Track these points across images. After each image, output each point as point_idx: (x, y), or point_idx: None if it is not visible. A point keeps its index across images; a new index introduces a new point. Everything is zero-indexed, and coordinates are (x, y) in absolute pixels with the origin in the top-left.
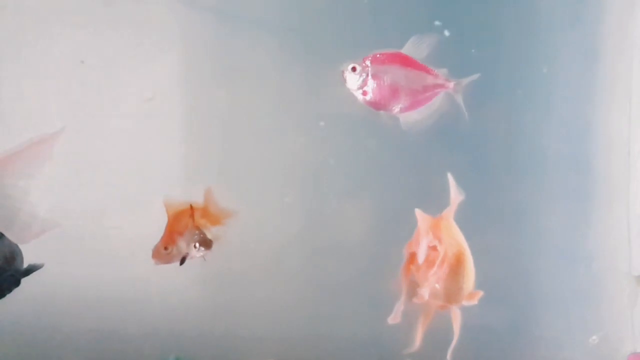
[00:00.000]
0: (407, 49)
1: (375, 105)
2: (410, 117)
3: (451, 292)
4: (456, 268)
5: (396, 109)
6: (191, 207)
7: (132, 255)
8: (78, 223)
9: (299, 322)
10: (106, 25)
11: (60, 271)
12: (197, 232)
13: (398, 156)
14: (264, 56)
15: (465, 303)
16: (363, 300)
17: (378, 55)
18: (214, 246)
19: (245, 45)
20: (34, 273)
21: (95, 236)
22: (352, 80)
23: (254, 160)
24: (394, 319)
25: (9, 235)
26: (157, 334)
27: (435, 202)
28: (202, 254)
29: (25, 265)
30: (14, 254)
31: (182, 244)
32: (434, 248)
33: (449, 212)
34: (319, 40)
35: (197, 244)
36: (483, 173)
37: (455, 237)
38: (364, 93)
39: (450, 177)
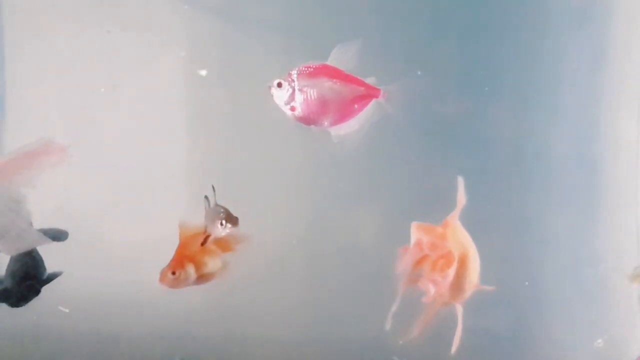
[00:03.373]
0: (333, 60)
1: (305, 120)
2: (341, 130)
3: (453, 291)
4: (459, 269)
5: (326, 122)
6: (212, 187)
7: (136, 258)
8: (82, 227)
9: (303, 324)
10: (110, 27)
11: (65, 274)
12: (221, 209)
13: (404, 159)
14: (267, 57)
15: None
16: (366, 303)
17: (304, 69)
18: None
19: (249, 46)
20: None
21: (100, 239)
22: (279, 96)
23: (258, 162)
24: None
25: (2, 242)
26: (161, 336)
27: (441, 205)
28: (228, 231)
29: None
30: (36, 265)
31: (191, 270)
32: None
33: (454, 216)
34: (322, 40)
35: (224, 221)
36: (490, 175)
37: (459, 240)
38: (292, 109)
39: (460, 181)
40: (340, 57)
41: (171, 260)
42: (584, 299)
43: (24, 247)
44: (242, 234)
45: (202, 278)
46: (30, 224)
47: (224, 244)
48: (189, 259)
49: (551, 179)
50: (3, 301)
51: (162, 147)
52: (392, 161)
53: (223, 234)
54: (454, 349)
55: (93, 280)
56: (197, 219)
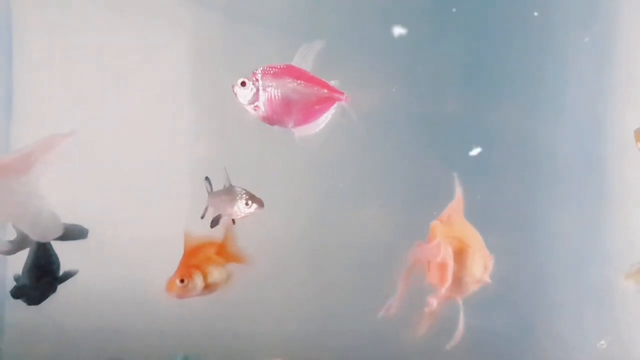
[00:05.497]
0: (298, 60)
1: (269, 120)
2: (305, 131)
3: (453, 286)
4: (457, 263)
5: (290, 123)
6: (225, 169)
7: (140, 255)
8: (87, 225)
9: (305, 320)
10: (116, 23)
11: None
12: (242, 190)
13: (407, 156)
14: (272, 53)
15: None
16: (368, 298)
17: (268, 69)
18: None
19: (254, 42)
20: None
21: (104, 237)
22: (242, 96)
23: (261, 160)
24: (386, 311)
25: (29, 232)
26: (165, 333)
27: (445, 203)
28: (252, 211)
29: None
30: (52, 263)
31: (198, 280)
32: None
33: (450, 211)
34: (326, 37)
35: (249, 201)
36: (497, 174)
37: (456, 235)
38: (256, 108)
39: (455, 177)
40: (305, 58)
41: (178, 269)
42: (590, 298)
43: (50, 236)
44: (245, 254)
45: (208, 288)
46: (53, 215)
47: (228, 256)
48: (196, 268)
49: (558, 178)
50: (20, 297)
51: (167, 144)
52: (394, 159)
53: (244, 214)
54: (451, 345)
55: (96, 277)
56: (200, 224)
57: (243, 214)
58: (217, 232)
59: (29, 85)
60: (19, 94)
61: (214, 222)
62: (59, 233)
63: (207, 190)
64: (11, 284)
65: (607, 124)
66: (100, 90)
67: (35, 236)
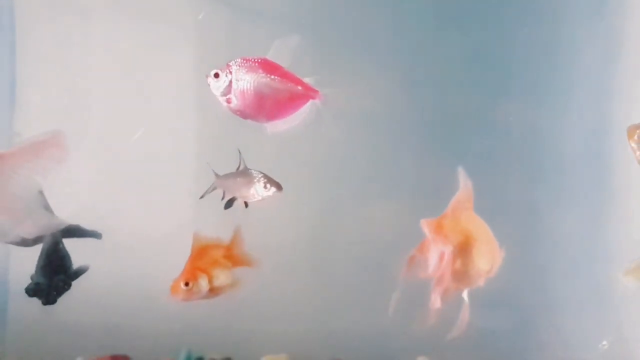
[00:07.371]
0: (273, 55)
1: (241, 113)
2: (277, 127)
3: (458, 278)
4: (461, 256)
5: (263, 118)
6: (239, 151)
7: (144, 251)
8: (90, 221)
9: (309, 318)
10: (121, 18)
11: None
12: (259, 173)
13: (412, 154)
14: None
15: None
16: (372, 296)
17: (243, 62)
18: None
19: (258, 41)
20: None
21: (108, 233)
22: (215, 87)
23: (265, 157)
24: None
25: (18, 227)
26: (169, 329)
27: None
28: (270, 193)
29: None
30: (64, 260)
31: (203, 282)
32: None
33: (454, 205)
34: (332, 35)
35: (268, 185)
36: (501, 171)
37: (461, 228)
38: (228, 101)
39: (460, 171)
40: (279, 52)
41: (183, 271)
42: (593, 296)
43: (43, 231)
44: (252, 257)
45: (213, 291)
46: (47, 209)
47: (236, 260)
48: (201, 271)
49: (562, 175)
50: (35, 295)
51: (172, 143)
52: (400, 157)
53: (262, 197)
54: (452, 336)
55: (99, 272)
56: (206, 225)
57: (260, 197)
58: (225, 233)
59: (32, 80)
60: (22, 89)
61: (228, 204)
62: (43, 232)
63: (215, 174)
64: (15, 279)
65: (613, 122)
66: (103, 87)
67: (30, 234)
